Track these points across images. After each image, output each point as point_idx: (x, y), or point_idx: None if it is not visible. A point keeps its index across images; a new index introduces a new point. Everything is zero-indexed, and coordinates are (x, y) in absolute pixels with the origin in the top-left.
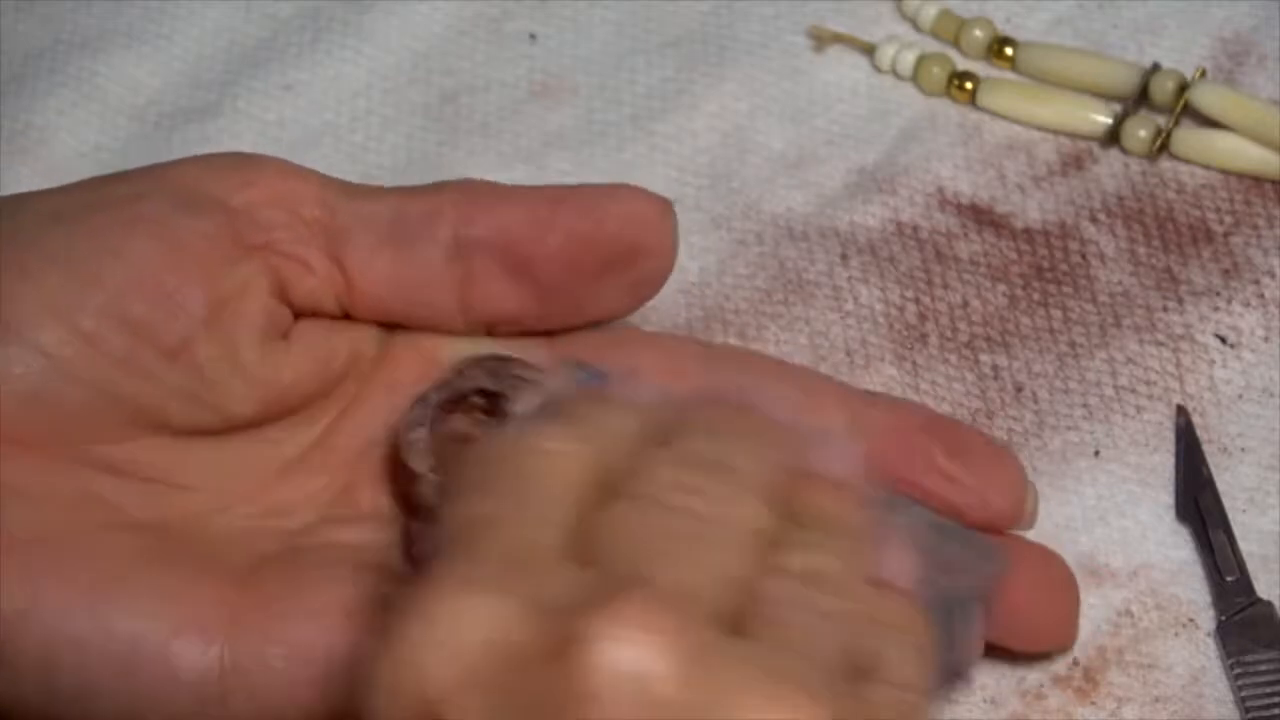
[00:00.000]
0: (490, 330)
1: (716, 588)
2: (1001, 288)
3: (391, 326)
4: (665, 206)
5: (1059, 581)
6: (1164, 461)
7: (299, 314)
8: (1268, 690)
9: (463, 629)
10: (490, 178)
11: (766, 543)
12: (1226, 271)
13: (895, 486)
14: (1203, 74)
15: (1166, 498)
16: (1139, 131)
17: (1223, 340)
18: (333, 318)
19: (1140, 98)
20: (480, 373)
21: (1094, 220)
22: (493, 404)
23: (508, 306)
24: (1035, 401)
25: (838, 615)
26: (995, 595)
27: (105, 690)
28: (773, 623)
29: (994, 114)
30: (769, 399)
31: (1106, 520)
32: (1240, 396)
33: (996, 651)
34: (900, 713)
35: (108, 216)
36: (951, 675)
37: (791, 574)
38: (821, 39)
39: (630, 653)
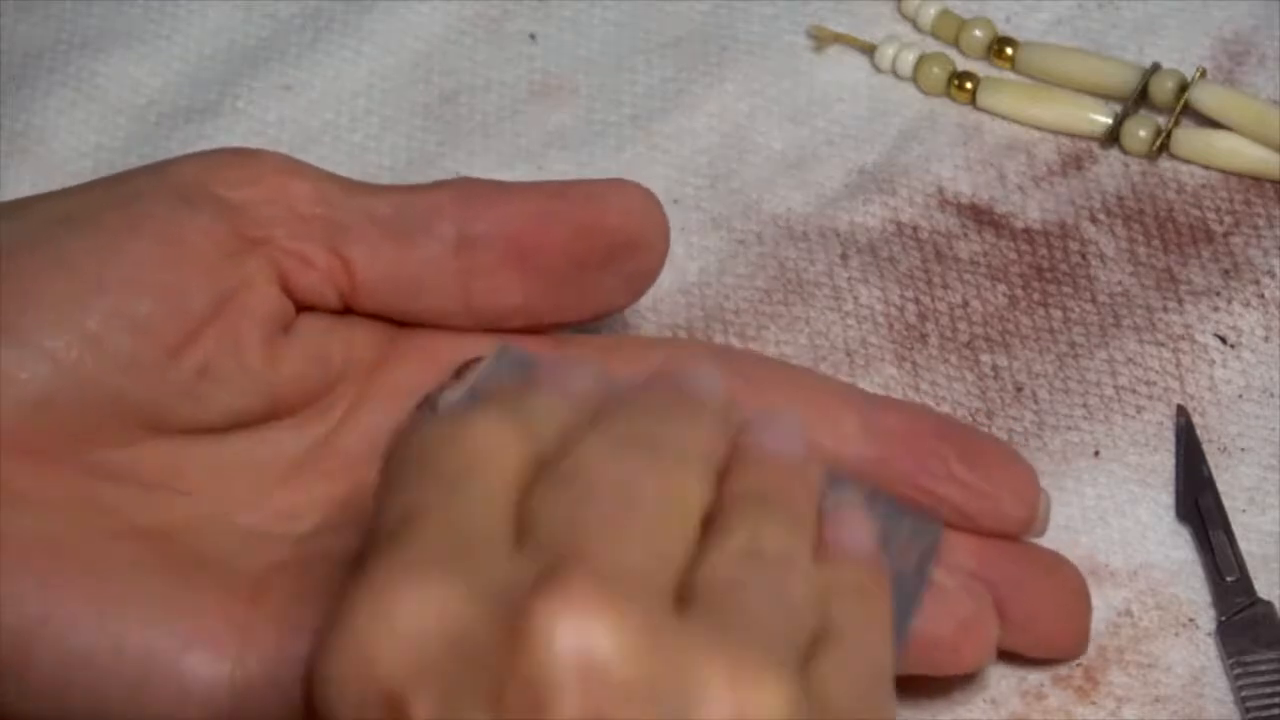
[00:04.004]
0: (492, 326)
1: (659, 564)
2: (1001, 288)
3: (394, 323)
4: (657, 199)
5: (1071, 588)
6: (1164, 461)
7: (300, 308)
8: (1268, 690)
9: (409, 615)
10: (490, 178)
11: (707, 519)
12: (1226, 271)
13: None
14: (1203, 74)
15: (1166, 498)
16: (1139, 131)
17: (1223, 340)
18: (334, 313)
19: (1140, 98)
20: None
21: (1094, 220)
22: None
23: (510, 300)
24: (1035, 401)
25: (789, 588)
26: (933, 567)
27: (117, 707)
28: (720, 601)
29: (994, 114)
30: (703, 382)
31: (1106, 520)
32: (1240, 396)
33: (998, 652)
34: (862, 684)
35: (112, 217)
36: (900, 648)
37: (735, 552)
38: (821, 39)
39: (582, 634)
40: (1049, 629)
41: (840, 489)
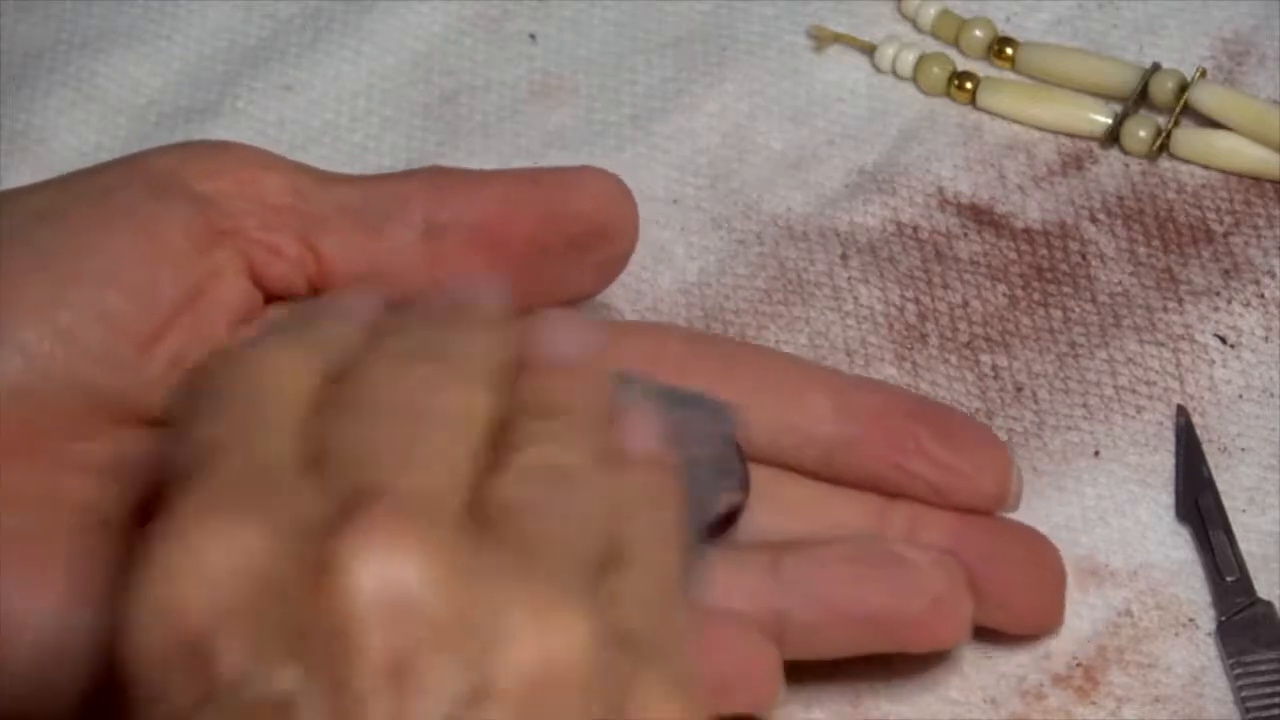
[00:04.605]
0: None
1: (453, 485)
2: (1001, 288)
3: None
4: (626, 186)
5: (1045, 563)
6: (1164, 461)
7: (270, 299)
8: (1268, 690)
9: (210, 555)
10: None
11: (499, 433)
12: (1226, 271)
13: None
14: (1203, 74)
15: (1166, 498)
16: (1139, 131)
17: (1223, 340)
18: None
19: (1140, 98)
20: None
21: (1094, 220)
22: None
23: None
24: (1035, 401)
25: (581, 505)
26: (739, 450)
27: (106, 699)
28: (514, 523)
29: (994, 114)
30: (483, 296)
31: (1106, 520)
32: (1240, 396)
33: (996, 650)
34: (655, 592)
35: (86, 210)
36: (706, 536)
37: (524, 468)
38: (821, 39)
39: (385, 569)
40: (1023, 604)
41: (626, 389)
